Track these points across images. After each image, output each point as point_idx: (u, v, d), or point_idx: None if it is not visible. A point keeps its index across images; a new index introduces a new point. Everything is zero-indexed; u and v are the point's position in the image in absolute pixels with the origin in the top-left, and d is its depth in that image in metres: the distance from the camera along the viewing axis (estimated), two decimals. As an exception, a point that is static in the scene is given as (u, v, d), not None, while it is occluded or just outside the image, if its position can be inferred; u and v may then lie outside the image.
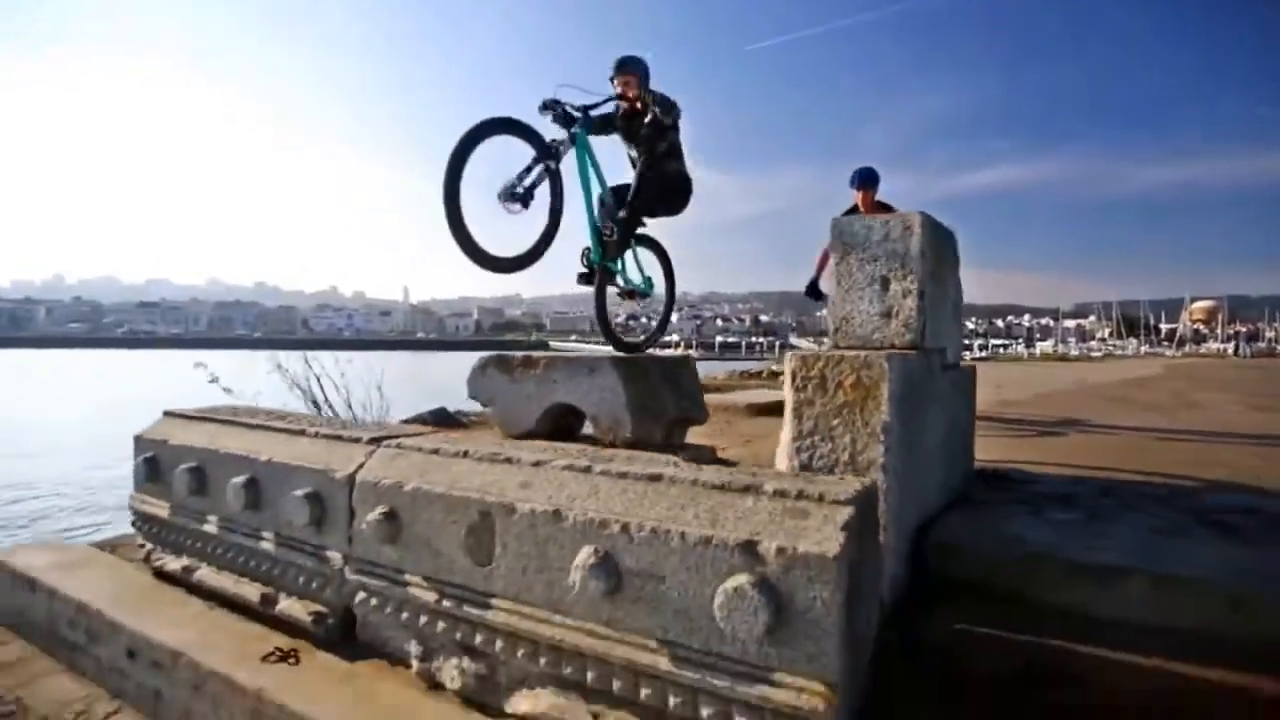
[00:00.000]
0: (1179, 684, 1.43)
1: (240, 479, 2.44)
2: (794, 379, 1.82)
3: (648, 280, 3.64)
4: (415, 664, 1.94)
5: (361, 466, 2.19)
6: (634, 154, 3.47)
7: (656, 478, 1.70)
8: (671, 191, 3.53)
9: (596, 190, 3.25)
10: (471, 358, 3.05)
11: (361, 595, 2.10)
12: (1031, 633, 1.62)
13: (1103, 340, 77.14)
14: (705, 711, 1.45)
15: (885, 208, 4.72)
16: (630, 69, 3.25)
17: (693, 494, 1.62)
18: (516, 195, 2.86)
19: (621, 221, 3.25)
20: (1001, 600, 1.74)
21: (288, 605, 2.25)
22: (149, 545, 2.83)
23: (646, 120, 3.25)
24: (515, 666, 1.76)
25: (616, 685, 1.57)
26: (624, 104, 3.29)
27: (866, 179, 4.77)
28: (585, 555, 1.61)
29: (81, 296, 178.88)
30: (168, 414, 3.11)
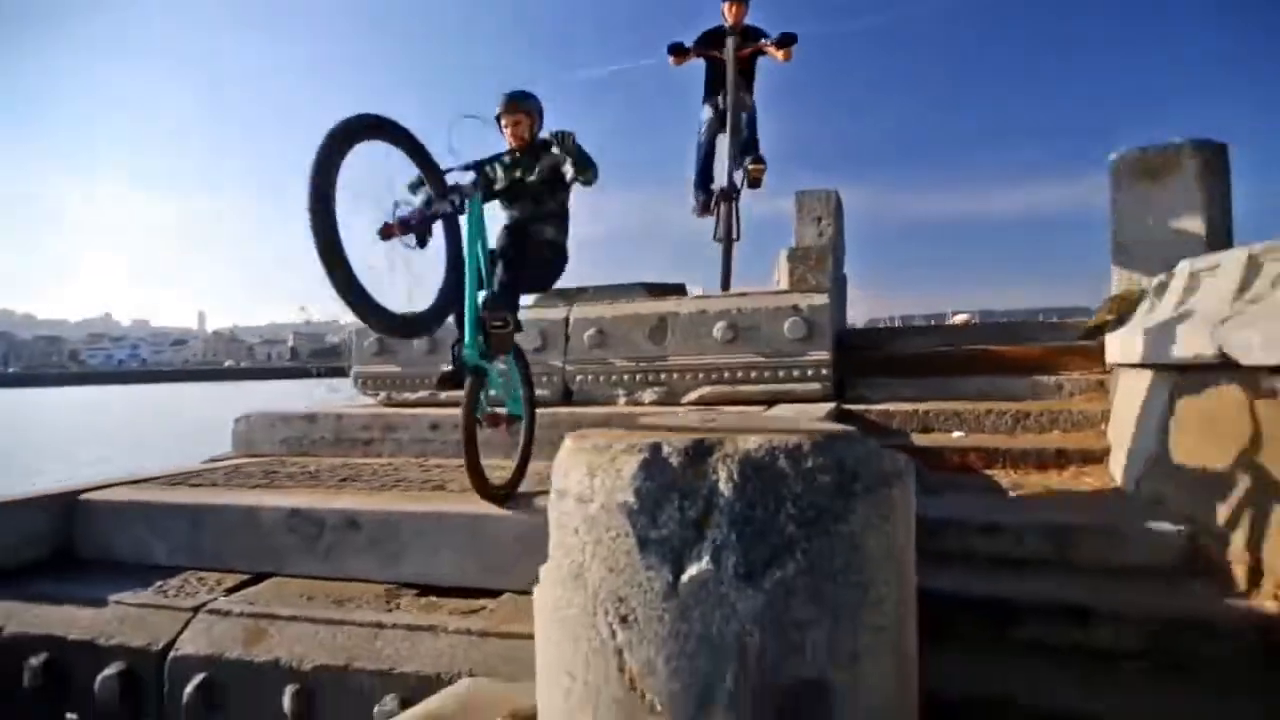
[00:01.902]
0: (946, 353, 3.90)
1: (475, 334, 4.20)
2: (789, 258, 4.10)
3: (516, 399, 2.84)
4: (623, 399, 3.91)
5: (570, 312, 4.12)
6: (516, 213, 2.84)
7: (744, 294, 3.90)
8: (561, 262, 2.93)
9: (480, 264, 2.56)
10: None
11: (578, 377, 4.02)
12: (887, 350, 4.04)
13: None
14: (780, 372, 3.66)
15: (756, 31, 4.25)
16: (523, 105, 2.73)
17: (763, 297, 3.84)
18: (411, 225, 2.22)
19: (508, 299, 2.57)
20: (872, 347, 4.16)
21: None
22: (383, 392, 4.42)
23: (547, 164, 2.77)
24: (683, 385, 3.83)
25: (739, 374, 3.73)
26: (514, 145, 2.74)
27: None
28: (720, 325, 3.75)
29: None
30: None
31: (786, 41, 3.93)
